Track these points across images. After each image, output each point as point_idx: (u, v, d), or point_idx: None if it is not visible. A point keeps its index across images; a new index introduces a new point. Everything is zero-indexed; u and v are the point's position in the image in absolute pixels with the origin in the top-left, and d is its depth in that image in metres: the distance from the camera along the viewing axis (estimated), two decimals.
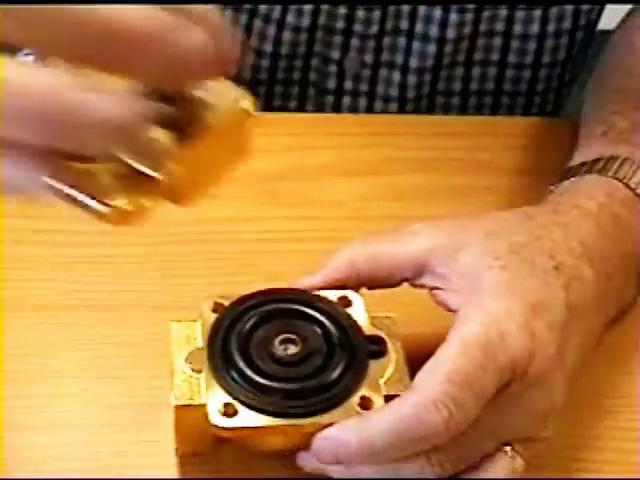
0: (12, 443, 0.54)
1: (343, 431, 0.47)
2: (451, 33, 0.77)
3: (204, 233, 0.64)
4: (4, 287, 0.60)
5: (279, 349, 0.50)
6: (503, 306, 0.48)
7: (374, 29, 0.77)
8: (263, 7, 0.77)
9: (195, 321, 0.52)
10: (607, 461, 0.55)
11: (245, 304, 0.52)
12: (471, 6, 0.76)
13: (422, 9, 0.76)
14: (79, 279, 0.62)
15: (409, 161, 0.72)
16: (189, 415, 0.49)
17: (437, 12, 0.76)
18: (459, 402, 0.45)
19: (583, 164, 0.60)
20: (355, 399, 0.49)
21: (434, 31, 0.77)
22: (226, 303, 0.53)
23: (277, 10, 0.76)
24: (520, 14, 0.77)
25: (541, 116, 0.83)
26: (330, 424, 0.48)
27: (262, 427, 0.48)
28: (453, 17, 0.76)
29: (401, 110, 0.81)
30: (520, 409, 0.48)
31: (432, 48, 0.78)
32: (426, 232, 0.53)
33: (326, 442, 0.47)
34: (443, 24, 0.76)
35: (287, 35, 0.77)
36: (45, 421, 0.55)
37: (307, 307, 0.52)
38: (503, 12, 0.77)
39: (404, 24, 0.77)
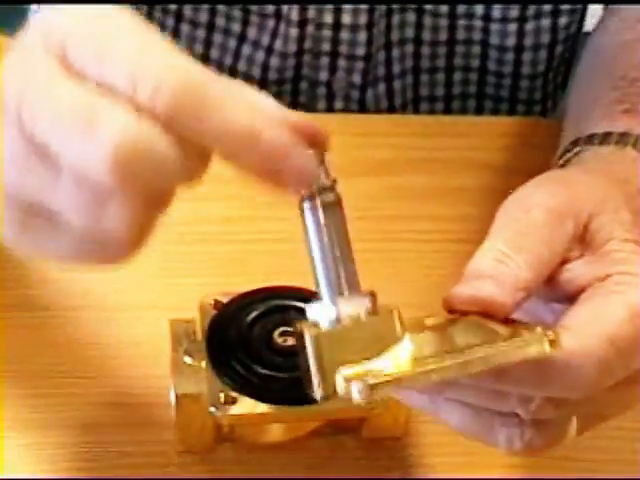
0: (12, 443, 0.54)
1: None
2: (427, 35, 0.78)
3: (204, 233, 0.64)
4: (4, 287, 0.60)
5: (278, 341, 0.51)
6: None
7: (360, 51, 0.77)
8: (252, 33, 0.77)
9: (194, 318, 0.53)
10: (607, 461, 0.55)
11: (244, 301, 0.54)
12: (444, 12, 0.77)
13: (396, 18, 0.77)
14: (79, 279, 0.62)
15: (409, 161, 0.72)
16: (189, 405, 0.50)
17: (411, 17, 0.77)
18: (611, 368, 0.42)
19: (609, 134, 0.58)
20: None
21: (410, 33, 0.78)
22: (225, 300, 0.54)
23: (266, 36, 0.77)
24: (495, 27, 0.78)
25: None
26: (329, 412, 0.48)
27: (261, 414, 0.49)
28: (427, 21, 0.78)
29: None
30: (632, 394, 0.45)
31: (410, 48, 0.79)
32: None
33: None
34: (418, 26, 0.78)
35: (275, 61, 0.78)
36: (45, 421, 0.55)
37: (305, 303, 0.53)
38: (478, 23, 0.78)
39: (381, 39, 0.78)
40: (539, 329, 0.40)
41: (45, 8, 0.39)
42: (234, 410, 0.50)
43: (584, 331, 0.42)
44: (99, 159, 0.35)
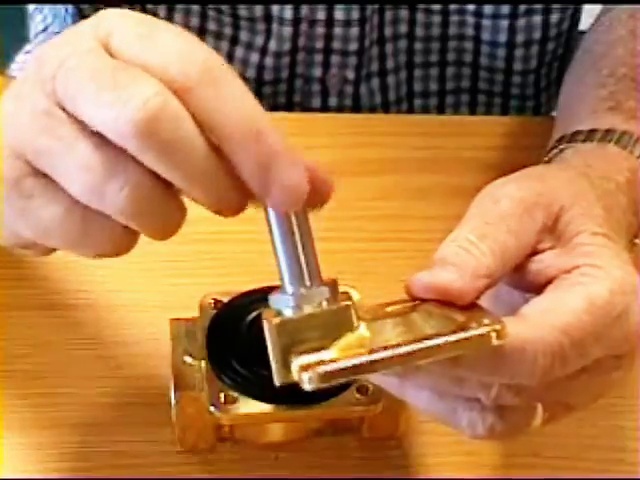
0: (12, 443, 0.54)
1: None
2: (420, 31, 0.79)
3: (204, 233, 0.64)
4: (4, 287, 0.60)
5: None
6: (629, 280, 0.45)
7: (353, 46, 0.78)
8: (244, 35, 0.78)
9: (194, 318, 0.53)
10: (607, 461, 0.55)
11: (245, 300, 0.54)
12: (437, 8, 0.78)
13: (388, 14, 0.77)
14: (79, 279, 0.62)
15: (409, 161, 0.72)
16: (190, 405, 0.50)
17: (404, 12, 0.78)
18: (564, 357, 0.42)
19: (594, 131, 0.58)
20: (353, 387, 0.50)
21: (403, 29, 0.79)
22: (225, 300, 0.54)
23: (259, 37, 0.77)
24: (487, 23, 0.79)
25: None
26: (329, 412, 0.48)
27: (261, 414, 0.49)
28: (420, 17, 0.78)
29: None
30: (601, 385, 0.46)
31: (403, 44, 0.79)
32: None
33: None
34: (411, 22, 0.78)
35: (269, 61, 0.78)
36: (45, 421, 0.55)
37: None
38: (470, 19, 0.78)
39: (375, 35, 0.78)
40: (487, 320, 0.40)
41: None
42: (234, 410, 0.50)
43: (539, 320, 0.43)
44: (127, 121, 0.37)
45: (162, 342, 0.53)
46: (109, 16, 0.41)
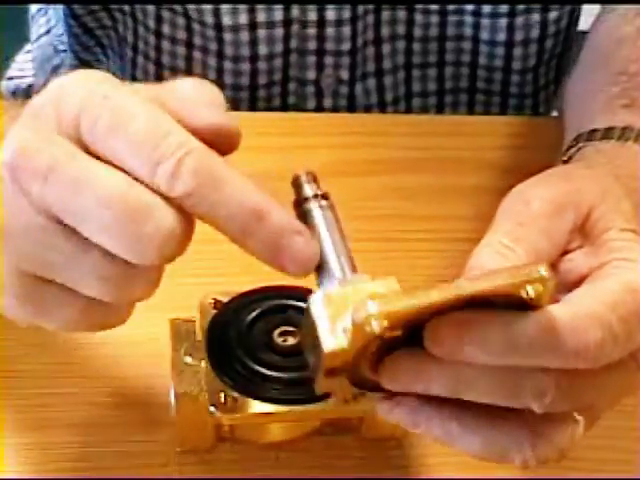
0: (12, 443, 0.54)
1: (484, 326, 0.42)
2: (418, 32, 0.79)
3: (204, 233, 0.64)
4: None
5: (278, 340, 0.51)
6: None
7: (346, 46, 0.78)
8: (229, 50, 0.77)
9: (194, 318, 0.53)
10: (607, 461, 0.55)
11: (244, 300, 0.54)
12: (435, 8, 0.78)
13: (385, 14, 0.77)
14: None
15: (409, 161, 0.72)
16: (189, 405, 0.50)
17: (402, 13, 0.78)
18: (614, 335, 0.42)
19: (611, 129, 0.59)
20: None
21: (401, 30, 0.79)
22: (225, 300, 0.54)
23: (245, 46, 0.77)
24: (485, 22, 0.79)
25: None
26: (329, 412, 0.48)
27: (261, 414, 0.49)
28: (418, 18, 0.78)
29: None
30: (625, 384, 0.45)
31: (401, 44, 0.79)
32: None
33: (462, 326, 0.41)
34: (409, 23, 0.78)
35: (263, 65, 0.78)
36: (45, 421, 0.55)
37: (305, 303, 0.53)
38: (469, 18, 0.78)
39: (370, 34, 0.78)
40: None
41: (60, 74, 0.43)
42: (234, 410, 0.50)
43: (585, 299, 0.42)
44: (146, 249, 0.40)
45: (162, 342, 0.53)
46: (72, 98, 0.41)
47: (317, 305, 0.42)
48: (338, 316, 0.41)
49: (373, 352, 0.42)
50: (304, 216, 0.45)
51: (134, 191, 0.40)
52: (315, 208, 0.45)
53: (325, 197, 0.46)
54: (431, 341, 0.41)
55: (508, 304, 0.40)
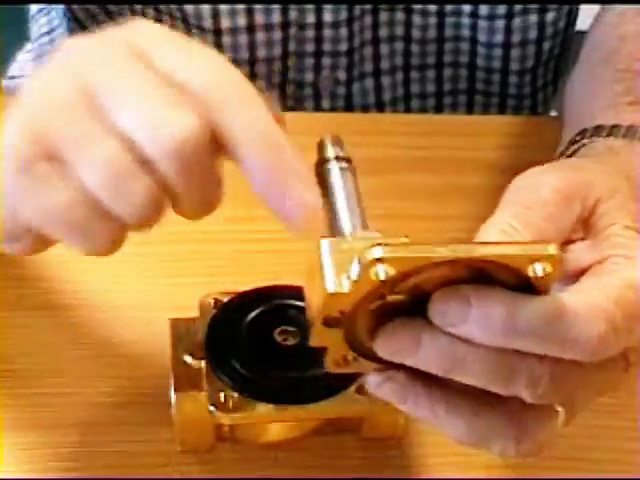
0: (12, 443, 0.54)
1: (490, 303, 0.41)
2: (416, 33, 0.79)
3: (204, 233, 0.64)
4: (2, 286, 0.60)
5: (278, 340, 0.52)
6: None
7: (343, 47, 0.78)
8: (228, 54, 0.77)
9: (194, 318, 0.53)
10: (607, 461, 0.55)
11: (244, 300, 0.54)
12: (433, 10, 0.78)
13: (383, 16, 0.78)
14: (79, 279, 0.62)
15: (409, 161, 0.72)
16: (189, 405, 0.50)
17: (400, 14, 0.78)
18: (617, 329, 0.42)
19: (616, 126, 0.59)
20: (352, 387, 0.50)
21: (399, 31, 0.79)
22: (225, 300, 0.54)
23: (244, 50, 0.77)
24: (483, 24, 0.79)
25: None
26: (329, 412, 0.48)
27: (261, 414, 0.49)
28: (416, 19, 0.78)
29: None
30: (607, 382, 0.46)
31: (399, 46, 0.80)
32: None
33: (464, 303, 0.41)
34: (407, 25, 0.79)
35: (261, 68, 0.78)
36: (45, 421, 0.55)
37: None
38: (466, 20, 0.79)
39: (368, 34, 0.78)
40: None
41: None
42: (234, 410, 0.50)
43: (592, 292, 0.43)
44: (162, 143, 0.39)
45: (161, 342, 0.53)
46: (143, 26, 0.43)
47: (325, 249, 0.41)
48: (344, 264, 0.40)
49: (373, 311, 0.41)
50: (323, 176, 0.45)
51: (170, 91, 0.41)
52: (334, 168, 0.46)
53: (348, 160, 0.46)
54: (436, 309, 0.41)
55: (509, 284, 0.40)
